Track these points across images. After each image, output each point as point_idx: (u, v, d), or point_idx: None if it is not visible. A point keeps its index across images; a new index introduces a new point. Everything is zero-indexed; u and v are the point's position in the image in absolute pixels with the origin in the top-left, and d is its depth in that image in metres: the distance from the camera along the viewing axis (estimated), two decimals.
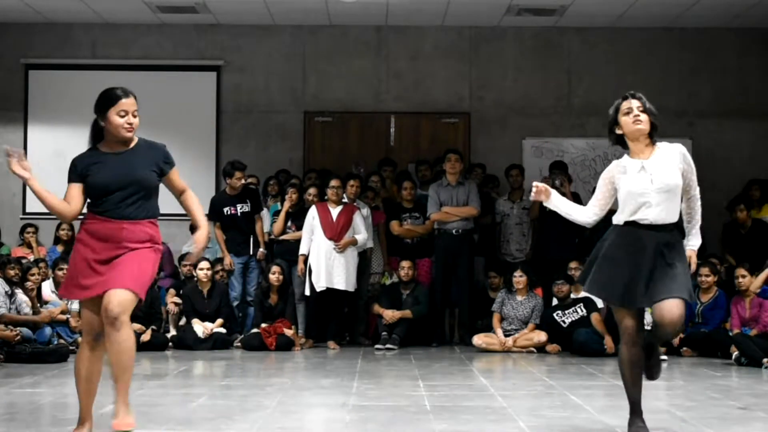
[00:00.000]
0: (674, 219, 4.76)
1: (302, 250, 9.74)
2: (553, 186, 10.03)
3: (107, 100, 4.77)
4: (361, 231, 9.78)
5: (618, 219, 4.83)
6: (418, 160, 11.20)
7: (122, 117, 4.73)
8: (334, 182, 9.85)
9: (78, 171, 4.79)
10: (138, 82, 11.47)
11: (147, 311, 9.50)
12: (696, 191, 4.89)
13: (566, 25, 11.61)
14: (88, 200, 4.76)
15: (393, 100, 11.84)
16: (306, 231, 9.76)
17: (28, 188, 11.64)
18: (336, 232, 9.66)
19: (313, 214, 9.74)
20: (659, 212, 4.71)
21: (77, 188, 4.76)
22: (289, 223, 10.06)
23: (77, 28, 11.72)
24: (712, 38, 11.73)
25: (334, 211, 9.76)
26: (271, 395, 6.33)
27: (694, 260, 4.88)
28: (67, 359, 8.38)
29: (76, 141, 11.74)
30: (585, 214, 5.01)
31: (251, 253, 10.11)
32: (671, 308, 4.58)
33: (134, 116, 4.75)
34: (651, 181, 4.72)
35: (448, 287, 10.04)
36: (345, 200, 9.93)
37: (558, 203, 5.02)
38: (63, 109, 11.63)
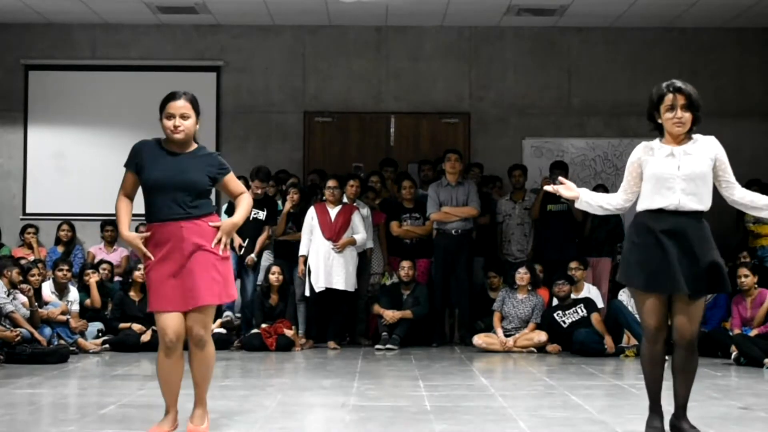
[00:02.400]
0: (702, 207, 4.66)
1: (302, 251, 9.74)
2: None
3: (162, 103, 4.83)
4: (359, 231, 9.77)
5: (642, 205, 4.75)
6: (421, 160, 11.20)
7: (169, 120, 4.77)
8: (331, 182, 9.85)
9: (136, 161, 4.84)
10: (138, 82, 11.59)
11: (148, 312, 9.49)
12: (733, 177, 4.78)
13: (566, 25, 11.61)
14: (144, 212, 4.84)
15: (393, 100, 11.84)
16: (305, 231, 9.76)
17: (27, 189, 11.76)
18: (334, 232, 9.66)
19: (311, 214, 9.74)
20: (684, 198, 4.62)
21: (131, 178, 4.87)
22: (290, 224, 10.05)
23: (77, 28, 11.72)
24: (712, 38, 11.73)
25: (333, 212, 9.76)
26: (271, 395, 6.33)
27: None
28: (67, 360, 8.39)
29: (77, 141, 11.99)
30: (615, 201, 4.91)
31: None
32: (687, 326, 4.60)
33: (184, 118, 4.76)
34: (678, 167, 4.63)
35: (447, 287, 10.03)
36: (345, 200, 9.92)
37: (588, 198, 4.90)
38: (63, 109, 11.64)
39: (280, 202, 10.42)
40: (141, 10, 11.07)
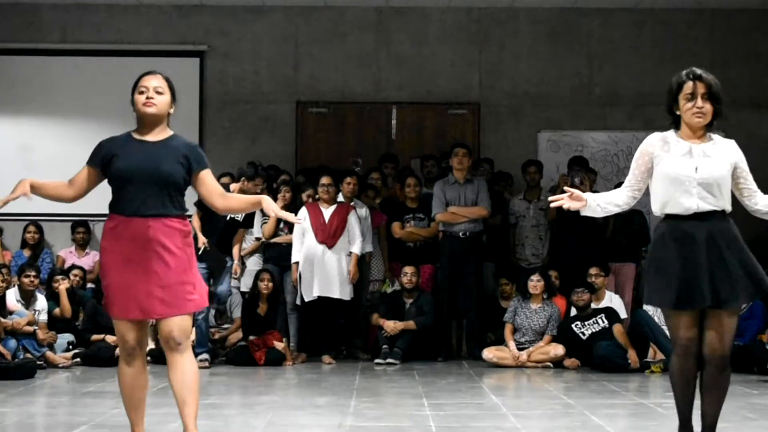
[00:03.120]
0: (722, 207, 4.70)
1: (294, 257, 9.72)
2: (572, 185, 10.07)
3: (134, 82, 4.87)
4: (356, 235, 9.74)
5: (655, 208, 4.79)
6: (424, 155, 11.20)
7: (141, 95, 4.79)
8: (325, 180, 9.82)
9: (101, 155, 4.86)
10: (113, 68, 11.57)
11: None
12: (754, 184, 4.81)
13: (586, 6, 11.63)
14: (110, 197, 4.84)
15: (394, 89, 11.84)
16: (297, 235, 9.72)
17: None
18: (329, 235, 9.64)
19: (303, 215, 9.69)
20: (700, 202, 4.65)
21: (87, 171, 4.90)
22: (281, 225, 10.03)
23: (45, 9, 11.72)
24: (749, 20, 11.73)
25: (327, 212, 9.74)
26: (260, 415, 6.32)
27: None
28: (34, 375, 8.38)
29: (45, 133, 11.98)
30: (620, 200, 4.92)
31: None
32: (718, 341, 4.62)
33: (158, 93, 4.79)
34: (696, 169, 4.67)
35: (454, 296, 10.01)
36: (341, 199, 9.92)
37: (594, 204, 4.89)
38: (30, 97, 11.65)
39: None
40: None
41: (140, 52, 11.66)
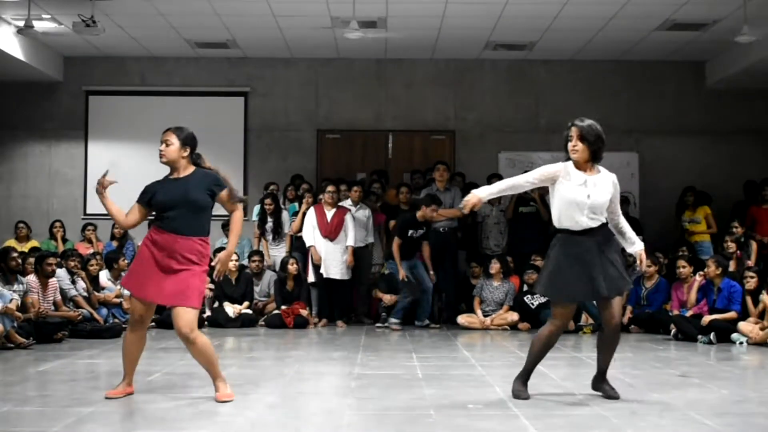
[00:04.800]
0: (603, 221, 4.77)
1: (309, 242, 9.68)
2: (524, 192, 10.07)
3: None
4: (350, 230, 9.71)
5: (555, 221, 4.82)
6: (413, 170, 11.19)
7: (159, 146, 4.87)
8: (330, 188, 9.85)
9: (147, 195, 4.90)
10: (178, 106, 11.59)
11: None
12: (619, 209, 4.90)
13: (534, 58, 11.61)
14: (153, 215, 4.89)
15: (391, 120, 11.83)
16: (307, 227, 9.70)
17: (87, 194, 11.76)
18: (330, 230, 9.64)
19: (312, 214, 9.71)
20: (588, 221, 4.71)
21: (138, 207, 4.95)
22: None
23: (129, 60, 11.71)
24: (655, 69, 11.72)
25: (329, 213, 9.73)
26: (289, 365, 6.33)
27: (644, 258, 4.93)
28: (121, 335, 8.38)
29: (128, 154, 12.02)
30: (520, 182, 4.86)
31: None
32: (614, 315, 4.73)
33: (166, 145, 4.85)
34: (588, 196, 4.71)
35: (436, 275, 9.98)
36: (348, 204, 9.91)
37: (489, 192, 4.81)
38: (117, 128, 11.65)
39: (297, 204, 10.37)
40: (182, 45, 11.09)
41: (199, 92, 11.66)
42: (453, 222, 10.05)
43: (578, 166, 4.79)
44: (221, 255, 4.92)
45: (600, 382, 4.95)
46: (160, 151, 4.82)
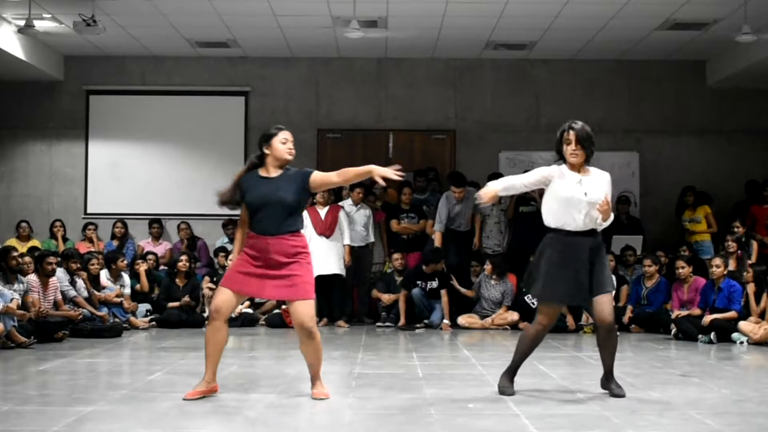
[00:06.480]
0: (596, 226, 4.80)
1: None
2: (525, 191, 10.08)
3: (270, 134, 4.94)
4: (345, 227, 9.72)
5: (549, 221, 4.83)
6: (417, 170, 11.14)
7: (284, 144, 4.90)
8: None
9: (241, 189, 4.84)
10: (179, 105, 11.59)
11: (190, 295, 9.60)
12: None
13: (535, 57, 11.61)
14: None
15: (391, 120, 11.82)
16: (308, 226, 9.68)
17: (88, 193, 11.75)
18: (325, 228, 9.64)
19: (304, 214, 9.65)
20: (585, 220, 4.73)
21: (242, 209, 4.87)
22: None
23: (130, 60, 11.71)
24: (655, 69, 11.72)
25: (322, 212, 9.74)
26: (290, 365, 6.33)
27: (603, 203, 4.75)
28: (121, 335, 8.39)
29: (129, 153, 12.00)
30: (521, 182, 4.92)
31: None
32: (605, 314, 4.76)
33: (293, 144, 4.93)
34: (585, 194, 4.74)
35: (454, 275, 9.94)
36: (349, 204, 9.92)
37: (504, 186, 4.88)
38: (118, 127, 11.63)
39: None
40: (182, 44, 11.08)
41: (200, 92, 11.65)
42: (468, 225, 10.03)
43: (572, 168, 4.82)
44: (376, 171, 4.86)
45: (606, 381, 4.97)
46: (289, 149, 4.87)
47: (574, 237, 4.76)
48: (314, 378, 4.87)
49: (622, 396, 4.85)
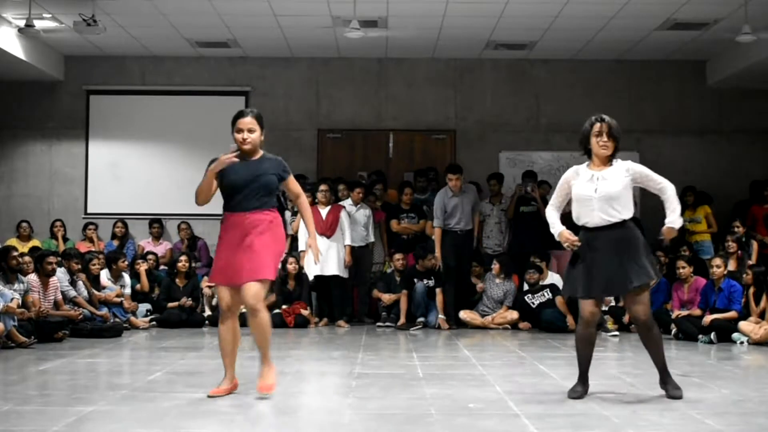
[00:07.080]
0: (622, 218, 4.75)
1: (302, 246, 9.63)
2: (525, 191, 10.21)
3: (233, 119, 4.89)
4: (346, 228, 9.72)
5: (575, 220, 4.88)
6: (417, 170, 11.14)
7: (239, 133, 4.83)
8: (323, 187, 9.90)
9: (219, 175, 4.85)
10: (179, 105, 11.59)
11: (189, 294, 9.60)
12: (662, 183, 4.84)
13: (535, 57, 11.60)
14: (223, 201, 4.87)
15: (391, 120, 11.81)
16: (302, 230, 9.67)
17: (88, 193, 11.75)
18: (326, 228, 9.64)
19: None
20: (600, 216, 4.72)
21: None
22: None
23: (129, 60, 11.70)
24: (655, 69, 11.71)
25: (323, 211, 9.74)
26: (290, 365, 6.33)
27: (666, 233, 4.80)
28: (121, 334, 8.39)
29: (129, 153, 12.00)
30: (551, 210, 5.00)
31: None
32: (638, 312, 4.75)
33: (250, 132, 4.82)
34: (595, 190, 4.75)
35: (453, 275, 9.92)
36: (349, 204, 9.91)
37: (552, 220, 4.96)
38: (118, 127, 11.63)
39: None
40: (183, 44, 11.08)
41: (200, 92, 11.65)
42: (469, 224, 9.99)
43: (594, 163, 4.81)
44: (310, 241, 4.98)
45: (662, 382, 4.93)
46: (244, 139, 4.79)
47: (595, 232, 4.76)
48: (262, 361, 4.86)
49: (678, 398, 4.78)
